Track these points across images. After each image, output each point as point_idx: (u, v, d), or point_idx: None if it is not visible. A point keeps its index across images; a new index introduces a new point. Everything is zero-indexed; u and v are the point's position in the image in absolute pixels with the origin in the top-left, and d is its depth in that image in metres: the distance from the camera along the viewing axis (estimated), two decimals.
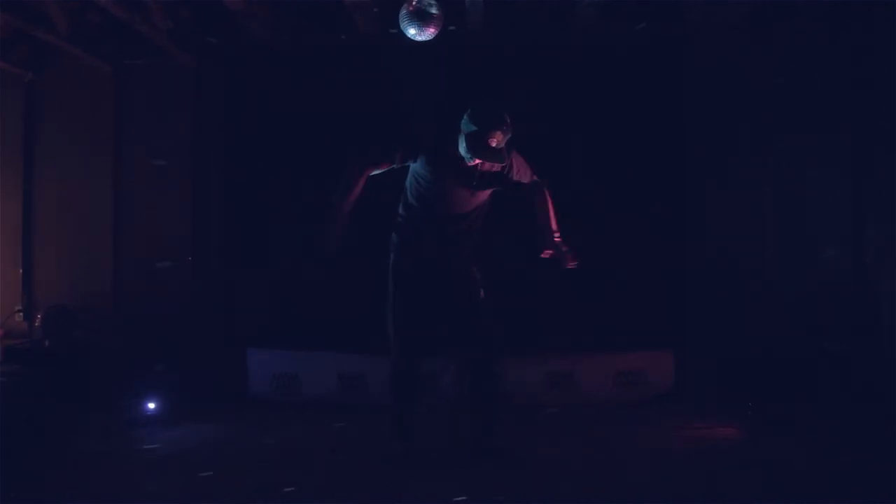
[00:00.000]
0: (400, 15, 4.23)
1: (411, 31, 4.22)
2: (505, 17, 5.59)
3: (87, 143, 6.18)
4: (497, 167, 4.04)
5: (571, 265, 4.06)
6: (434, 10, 4.17)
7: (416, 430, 4.29)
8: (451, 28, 4.36)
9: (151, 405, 5.06)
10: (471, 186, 4.08)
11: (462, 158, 3.99)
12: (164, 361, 5.40)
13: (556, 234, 4.11)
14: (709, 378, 5.56)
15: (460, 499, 3.69)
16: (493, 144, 3.91)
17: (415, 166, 4.10)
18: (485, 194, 4.15)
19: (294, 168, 5.85)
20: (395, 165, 4.08)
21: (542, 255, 4.08)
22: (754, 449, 4.46)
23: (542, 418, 5.09)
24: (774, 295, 5.79)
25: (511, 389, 5.21)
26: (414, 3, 4.16)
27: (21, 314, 6.09)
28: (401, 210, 4.25)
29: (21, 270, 6.14)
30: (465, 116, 3.96)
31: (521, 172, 4.18)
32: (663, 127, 5.89)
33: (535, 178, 4.25)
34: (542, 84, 5.75)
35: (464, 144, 3.95)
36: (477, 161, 3.97)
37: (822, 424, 4.80)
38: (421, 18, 4.19)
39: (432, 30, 4.25)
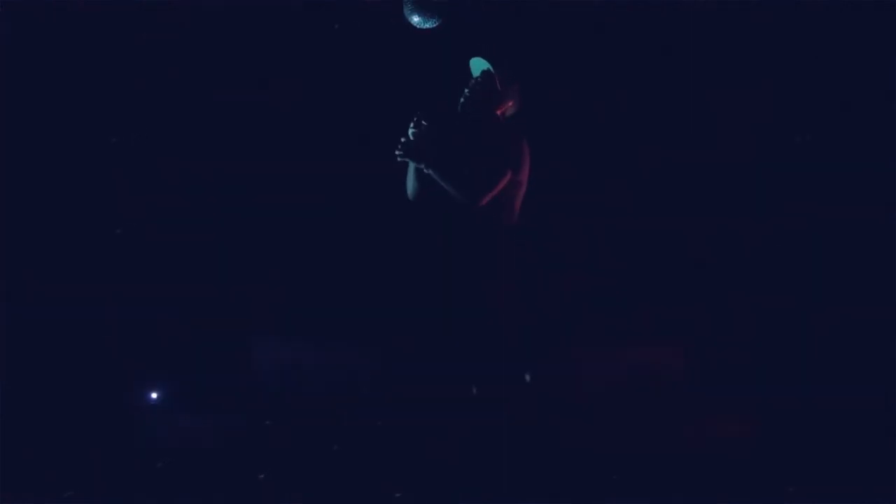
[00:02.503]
0: (404, 1, 4.13)
1: (415, 20, 4.11)
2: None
3: None
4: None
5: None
6: None
7: None
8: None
9: (153, 394, 5.06)
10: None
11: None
12: (166, 352, 5.37)
13: None
14: (719, 374, 5.52)
15: None
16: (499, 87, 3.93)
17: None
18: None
19: (296, 152, 5.73)
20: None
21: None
22: (763, 446, 4.47)
23: (547, 414, 5.04)
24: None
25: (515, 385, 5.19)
26: None
27: None
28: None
29: None
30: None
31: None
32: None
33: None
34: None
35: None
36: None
37: (829, 423, 4.76)
38: (426, 6, 4.09)
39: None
